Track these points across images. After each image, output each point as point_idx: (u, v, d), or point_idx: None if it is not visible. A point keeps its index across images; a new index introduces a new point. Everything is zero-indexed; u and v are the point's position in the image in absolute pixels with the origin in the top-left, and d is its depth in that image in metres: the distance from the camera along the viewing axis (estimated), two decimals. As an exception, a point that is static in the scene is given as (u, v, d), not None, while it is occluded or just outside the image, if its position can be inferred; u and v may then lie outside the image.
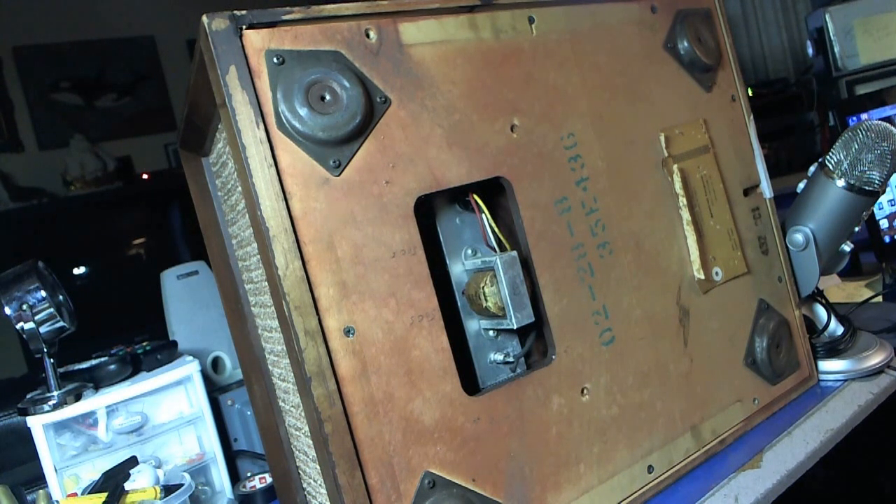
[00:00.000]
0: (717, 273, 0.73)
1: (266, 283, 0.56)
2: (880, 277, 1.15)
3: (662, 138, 0.71)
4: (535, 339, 0.64)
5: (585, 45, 0.67)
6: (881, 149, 0.74)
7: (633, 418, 0.65)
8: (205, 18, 0.49)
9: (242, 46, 0.50)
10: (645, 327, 0.67)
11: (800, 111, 2.57)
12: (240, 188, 0.62)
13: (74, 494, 0.75)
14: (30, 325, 0.80)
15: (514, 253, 0.60)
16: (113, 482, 0.71)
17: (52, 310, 0.81)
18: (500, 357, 0.66)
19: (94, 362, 0.87)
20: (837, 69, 1.54)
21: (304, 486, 0.70)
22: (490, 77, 0.61)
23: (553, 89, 0.65)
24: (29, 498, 0.86)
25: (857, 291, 1.20)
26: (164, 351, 0.92)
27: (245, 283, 0.73)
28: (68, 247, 2.65)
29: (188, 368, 0.88)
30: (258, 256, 0.59)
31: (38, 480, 0.82)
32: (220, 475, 0.88)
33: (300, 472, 0.71)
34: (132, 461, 0.76)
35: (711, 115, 0.76)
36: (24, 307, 0.80)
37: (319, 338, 0.50)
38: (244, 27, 0.51)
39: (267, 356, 0.72)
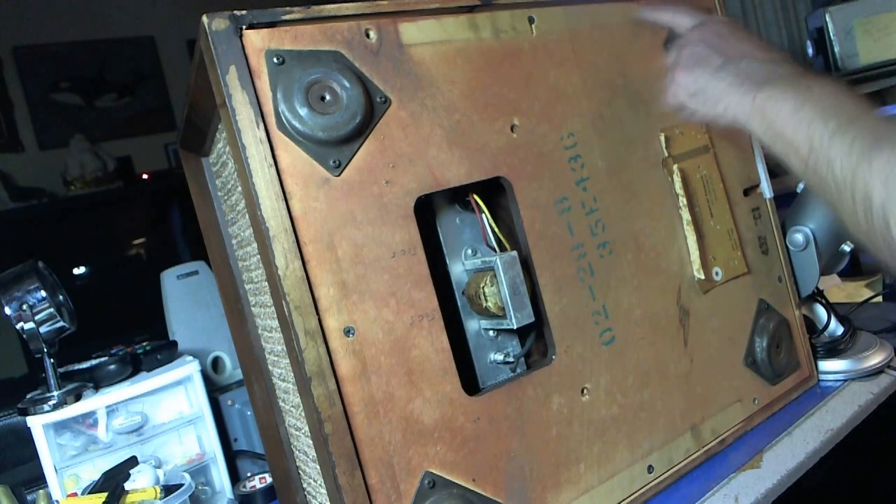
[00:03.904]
0: (717, 273, 0.73)
1: (266, 283, 0.56)
2: (880, 277, 1.15)
3: (662, 138, 0.71)
4: (535, 339, 0.64)
5: (585, 45, 0.67)
6: (881, 149, 0.74)
7: (633, 418, 0.65)
8: (205, 18, 0.49)
9: (242, 46, 0.50)
10: (645, 327, 0.67)
11: (800, 111, 2.56)
12: (240, 188, 0.62)
13: (74, 494, 0.75)
14: (30, 325, 0.80)
15: (514, 253, 0.60)
16: (113, 482, 0.71)
17: (52, 310, 0.81)
18: (500, 357, 0.66)
19: (94, 362, 0.87)
20: (837, 69, 1.53)
21: (304, 486, 0.70)
22: (490, 77, 0.61)
23: (553, 89, 0.65)
24: (29, 498, 0.86)
25: (857, 291, 1.20)
26: (164, 351, 0.92)
27: (245, 283, 0.73)
28: (68, 247, 2.65)
29: (188, 368, 0.88)
30: (258, 256, 0.59)
31: (38, 480, 0.82)
32: (220, 475, 0.88)
33: (300, 472, 0.71)
34: (132, 461, 0.76)
35: (711, 115, 0.76)
36: (24, 307, 0.80)
37: (319, 338, 0.50)
38: (244, 27, 0.51)
39: (267, 356, 0.72)
